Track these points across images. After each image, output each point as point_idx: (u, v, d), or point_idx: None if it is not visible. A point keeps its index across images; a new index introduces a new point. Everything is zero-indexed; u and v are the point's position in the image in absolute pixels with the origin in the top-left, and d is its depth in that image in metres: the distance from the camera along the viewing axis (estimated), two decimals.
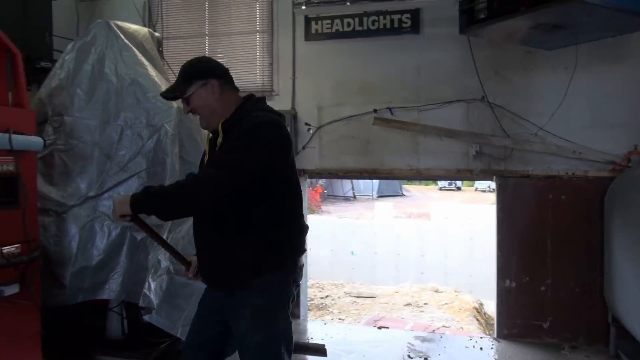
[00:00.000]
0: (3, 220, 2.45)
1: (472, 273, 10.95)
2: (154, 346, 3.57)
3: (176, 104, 3.35)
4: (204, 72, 2.02)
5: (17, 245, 2.54)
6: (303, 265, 2.16)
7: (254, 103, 2.08)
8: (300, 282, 2.14)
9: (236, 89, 2.11)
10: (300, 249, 2.07)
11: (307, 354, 3.83)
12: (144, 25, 4.60)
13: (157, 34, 3.88)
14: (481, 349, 3.97)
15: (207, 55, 4.71)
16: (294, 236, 2.05)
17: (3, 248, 2.45)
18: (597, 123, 3.95)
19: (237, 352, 2.05)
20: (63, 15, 4.89)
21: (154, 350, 3.53)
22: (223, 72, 2.07)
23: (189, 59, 2.09)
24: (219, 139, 1.97)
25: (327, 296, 8.84)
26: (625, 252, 3.35)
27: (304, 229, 2.11)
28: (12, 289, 2.51)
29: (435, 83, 4.27)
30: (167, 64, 4.15)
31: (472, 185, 31.30)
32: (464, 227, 11.73)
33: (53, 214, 3.07)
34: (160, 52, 3.87)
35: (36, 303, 2.69)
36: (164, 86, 3.41)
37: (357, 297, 8.92)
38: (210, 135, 2.07)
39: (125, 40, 3.39)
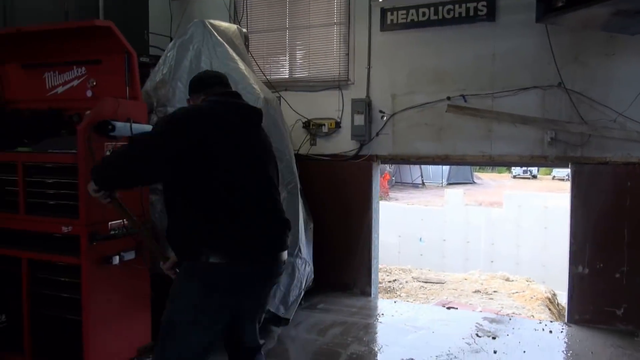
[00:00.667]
0: (123, 197, 2.87)
1: (545, 263, 10.68)
2: None
3: (263, 94, 3.68)
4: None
5: (134, 217, 2.97)
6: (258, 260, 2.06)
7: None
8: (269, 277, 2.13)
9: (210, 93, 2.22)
10: (235, 241, 1.99)
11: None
12: (230, 21, 4.98)
13: (244, 30, 4.23)
14: (550, 332, 4.03)
15: (285, 47, 5.04)
16: (225, 227, 1.97)
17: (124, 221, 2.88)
18: None
19: None
20: (158, 14, 5.40)
21: None
22: (195, 87, 2.29)
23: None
24: None
25: (394, 280, 9.01)
26: None
27: (251, 223, 2.02)
28: (130, 255, 2.94)
29: (510, 70, 4.30)
30: (252, 56, 4.49)
31: (550, 174, 29.97)
32: (538, 216, 11.41)
33: (159, 192, 3.50)
34: (247, 47, 4.21)
35: (148, 267, 3.13)
36: (252, 78, 3.76)
37: (425, 282, 9.01)
38: None
39: (219, 37, 3.75)
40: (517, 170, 32.87)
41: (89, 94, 3.14)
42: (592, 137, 4.06)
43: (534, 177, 31.71)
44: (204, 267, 2.00)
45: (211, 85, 2.27)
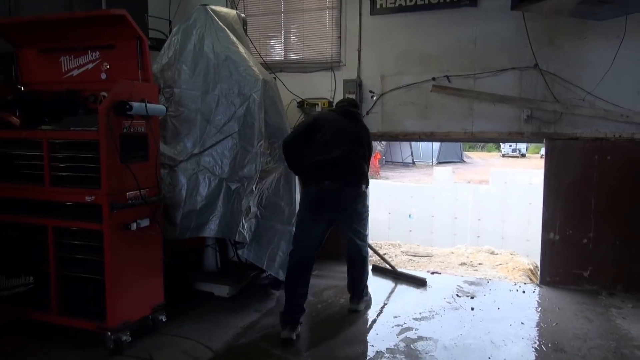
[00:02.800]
0: (139, 170, 3.19)
1: (529, 237, 11.05)
2: (242, 277, 4.36)
3: (261, 76, 3.97)
4: None
5: (147, 189, 3.29)
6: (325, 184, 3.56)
7: None
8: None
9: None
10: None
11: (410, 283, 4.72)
12: (228, 4, 5.24)
13: (243, 15, 4.49)
14: (524, 292, 4.46)
15: (281, 30, 5.31)
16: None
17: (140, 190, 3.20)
18: None
19: None
20: None
21: (243, 279, 4.31)
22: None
23: None
24: None
25: (384, 254, 9.38)
26: None
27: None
28: (145, 222, 3.27)
29: (490, 52, 4.62)
30: (250, 39, 4.76)
31: (538, 152, 30.41)
32: (523, 192, 11.79)
33: (167, 167, 3.81)
34: (245, 31, 4.48)
35: (160, 235, 3.47)
36: (251, 61, 4.04)
37: (414, 255, 9.39)
38: None
39: (220, 23, 4.02)
40: (506, 149, 33.28)
41: (103, 76, 3.42)
42: (564, 115, 4.42)
43: (523, 155, 32.14)
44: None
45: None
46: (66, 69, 3.56)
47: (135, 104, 3.04)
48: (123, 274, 3.17)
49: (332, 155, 3.57)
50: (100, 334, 3.14)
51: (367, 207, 3.97)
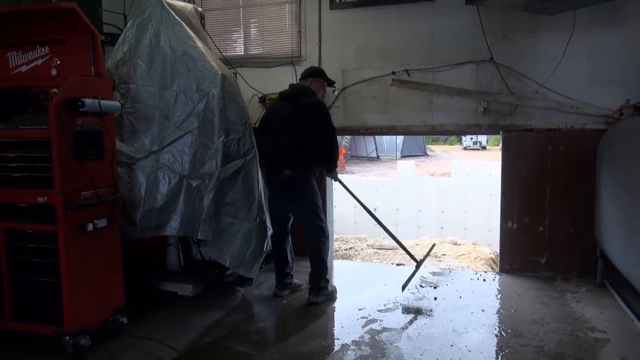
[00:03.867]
0: (94, 169, 3.09)
1: (491, 228, 11.40)
2: (206, 275, 4.31)
3: (220, 71, 3.91)
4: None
5: (104, 188, 3.20)
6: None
7: None
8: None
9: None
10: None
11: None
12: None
13: (200, 9, 4.41)
14: (484, 280, 4.58)
15: (240, 24, 5.26)
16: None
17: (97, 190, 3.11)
18: (594, 80, 4.37)
19: None
20: None
21: (207, 278, 4.26)
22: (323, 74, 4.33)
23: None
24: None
25: (350, 248, 9.47)
26: (610, 193, 3.85)
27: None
28: (102, 222, 3.17)
29: (448, 46, 4.71)
30: (208, 34, 4.68)
31: (498, 145, 31.24)
32: (484, 183, 12.10)
33: (125, 165, 3.71)
34: (203, 25, 4.40)
35: (119, 234, 3.38)
36: (209, 56, 3.97)
37: (379, 248, 9.53)
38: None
39: (176, 17, 3.93)
40: (467, 141, 34.06)
41: (53, 72, 3.29)
42: (519, 107, 4.55)
43: (484, 148, 32.96)
44: None
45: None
46: (14, 64, 3.39)
47: (88, 101, 2.94)
48: (80, 276, 3.08)
49: (271, 146, 4.06)
50: (58, 339, 3.04)
51: (312, 192, 4.05)
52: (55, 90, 3.14)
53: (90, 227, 3.07)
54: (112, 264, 3.39)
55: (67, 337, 3.02)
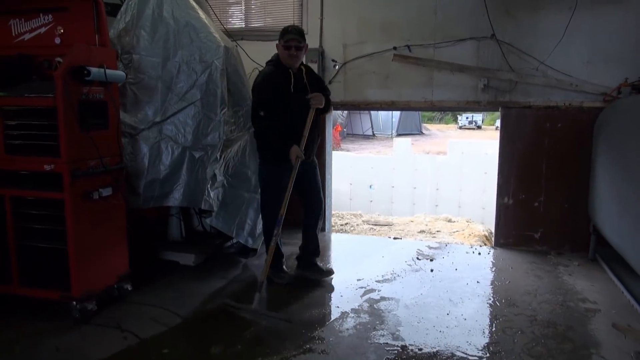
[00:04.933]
0: (99, 138, 3.12)
1: (484, 205, 11.53)
2: (207, 246, 4.38)
3: (223, 43, 3.92)
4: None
5: (109, 157, 3.24)
6: None
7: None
8: None
9: None
10: None
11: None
12: None
13: None
14: (479, 253, 4.69)
15: None
16: None
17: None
18: (593, 58, 4.41)
19: None
20: None
21: (209, 248, 4.33)
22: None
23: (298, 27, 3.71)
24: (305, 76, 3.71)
25: (346, 224, 9.57)
26: (604, 170, 3.93)
27: None
28: (108, 191, 3.21)
29: (449, 22, 4.72)
30: (210, 6, 4.66)
31: (493, 124, 31.31)
32: (479, 162, 12.19)
33: (128, 135, 3.74)
34: None
35: (124, 203, 3.43)
36: (212, 27, 3.97)
37: (375, 224, 9.64)
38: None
39: None
40: (462, 121, 34.09)
41: (57, 41, 3.28)
42: (519, 84, 4.59)
43: (479, 127, 33.02)
44: None
45: None
46: (17, 32, 3.37)
47: (93, 70, 2.95)
48: (86, 243, 3.13)
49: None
50: (65, 304, 3.12)
51: (259, 172, 3.89)
52: (59, 59, 3.14)
53: (96, 195, 3.11)
54: (117, 232, 3.45)
55: (74, 302, 3.09)
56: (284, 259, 4.02)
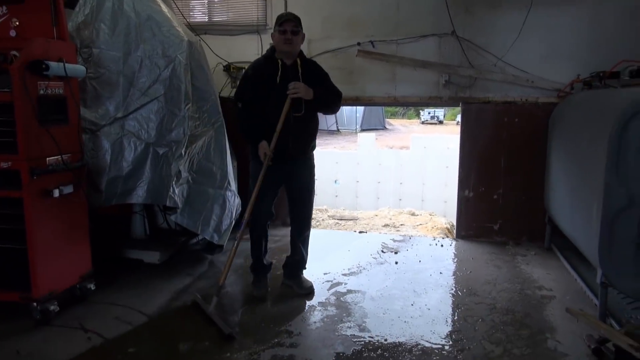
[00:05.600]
0: (59, 134, 3.04)
1: (446, 199, 11.82)
2: (172, 243, 4.33)
3: (187, 37, 3.87)
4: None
5: (69, 154, 3.15)
6: None
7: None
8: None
9: None
10: None
11: None
12: None
13: None
14: (442, 246, 4.83)
15: None
16: None
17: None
18: (549, 55, 4.58)
19: None
20: None
21: (174, 245, 4.28)
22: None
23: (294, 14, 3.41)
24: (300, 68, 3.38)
25: (312, 219, 9.61)
26: (558, 162, 4.11)
27: None
28: (69, 189, 3.13)
29: (412, 19, 4.80)
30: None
31: (454, 120, 32.06)
32: (441, 156, 12.46)
33: (89, 131, 3.64)
34: None
35: (86, 201, 3.35)
36: (174, 21, 3.91)
37: (340, 219, 9.73)
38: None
39: None
40: (425, 116, 34.73)
41: (12, 33, 3.15)
42: (478, 80, 4.73)
43: (440, 122, 33.72)
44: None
45: None
46: None
47: (52, 64, 2.87)
48: (47, 242, 3.05)
49: None
50: (25, 305, 3.03)
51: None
52: (14, 52, 3.02)
53: (56, 193, 3.03)
54: (79, 230, 3.37)
55: (35, 303, 3.01)
56: (268, 273, 3.79)
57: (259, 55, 4.98)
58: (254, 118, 3.37)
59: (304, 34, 3.43)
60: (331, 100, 3.50)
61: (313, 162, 3.70)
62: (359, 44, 4.89)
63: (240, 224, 3.50)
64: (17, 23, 3.17)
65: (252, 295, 3.62)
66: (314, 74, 3.46)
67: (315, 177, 3.73)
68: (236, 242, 3.41)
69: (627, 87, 3.85)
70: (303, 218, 3.69)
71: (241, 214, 4.50)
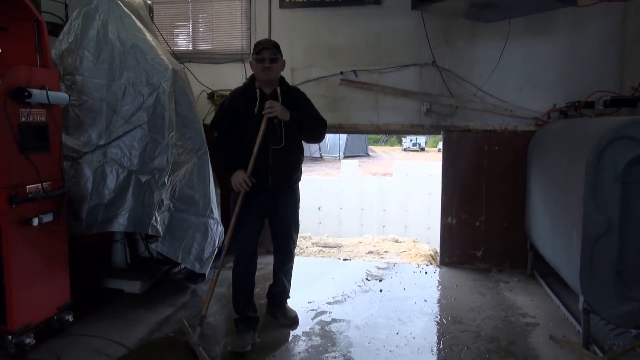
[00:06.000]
0: (39, 161, 3.00)
1: (429, 226, 11.88)
2: (154, 272, 4.25)
3: (171, 65, 3.89)
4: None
5: (50, 182, 3.11)
6: None
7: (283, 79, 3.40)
8: None
9: None
10: None
11: None
12: None
13: (149, 2, 4.34)
14: (426, 273, 4.83)
15: (189, 19, 5.23)
16: None
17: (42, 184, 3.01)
18: (526, 85, 4.71)
19: None
20: None
21: (155, 274, 4.20)
22: None
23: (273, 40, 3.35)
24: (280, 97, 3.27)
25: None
26: (537, 188, 4.18)
27: None
28: (48, 218, 3.08)
29: (393, 49, 4.91)
30: (157, 27, 4.61)
31: (436, 147, 32.52)
32: (423, 183, 12.57)
33: (70, 159, 3.60)
34: (152, 18, 4.34)
35: (66, 230, 3.29)
36: (159, 49, 3.93)
37: (324, 247, 9.67)
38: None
39: (125, 9, 3.86)
40: (407, 143, 35.15)
41: None
42: (459, 109, 4.83)
43: (422, 149, 34.15)
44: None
45: None
46: None
47: (34, 91, 2.86)
48: (24, 272, 2.98)
49: None
50: (0, 338, 2.93)
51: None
52: None
53: (35, 221, 2.97)
54: (58, 260, 3.30)
55: (10, 337, 2.92)
56: (255, 327, 3.40)
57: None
58: (230, 148, 3.26)
59: (284, 61, 3.31)
60: (313, 126, 3.33)
61: (298, 195, 3.55)
62: (341, 72, 4.97)
63: (220, 253, 3.46)
64: (0, 50, 3.16)
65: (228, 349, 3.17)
66: (296, 101, 3.32)
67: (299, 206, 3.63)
68: (216, 271, 3.33)
69: (601, 116, 3.98)
70: (285, 250, 3.57)
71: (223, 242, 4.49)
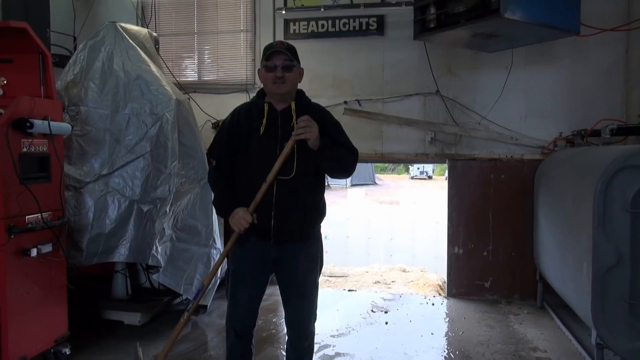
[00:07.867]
0: (40, 191, 2.99)
1: (437, 254, 11.71)
2: (154, 303, 4.18)
3: (175, 96, 3.92)
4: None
5: (50, 212, 3.09)
6: None
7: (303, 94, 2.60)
8: None
9: None
10: None
11: None
12: (138, 22, 5.13)
13: (154, 34, 4.42)
14: (433, 304, 4.71)
15: (194, 50, 5.30)
16: None
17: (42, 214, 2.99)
18: (531, 114, 4.70)
19: None
20: (61, 12, 5.34)
21: (156, 306, 4.13)
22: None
23: (288, 42, 2.52)
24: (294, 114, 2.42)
25: None
26: (545, 218, 4.10)
27: None
28: (47, 248, 3.04)
29: (397, 78, 4.93)
30: (162, 59, 4.68)
31: (443, 174, 32.52)
32: (431, 211, 12.49)
33: (72, 188, 3.59)
34: (157, 50, 4.40)
35: (65, 260, 3.25)
36: (163, 80, 3.97)
37: (330, 276, 9.56)
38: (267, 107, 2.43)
39: (130, 41, 3.92)
40: (414, 171, 35.16)
41: (0, 92, 3.19)
42: (463, 137, 4.80)
43: (430, 177, 34.13)
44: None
45: None
46: None
47: (36, 122, 2.87)
48: (21, 304, 2.92)
49: None
50: None
51: None
52: (1, 110, 3.04)
53: (34, 252, 2.94)
54: (56, 291, 3.25)
55: None
56: None
57: None
58: (227, 181, 2.48)
59: (301, 69, 2.49)
60: (344, 158, 2.46)
61: (316, 247, 2.55)
62: (345, 102, 4.98)
63: (223, 282, 3.38)
64: (5, 82, 3.21)
65: None
66: (319, 123, 2.37)
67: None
68: (184, 315, 2.76)
69: (608, 144, 3.93)
70: (300, 323, 2.54)
71: (226, 272, 4.43)
